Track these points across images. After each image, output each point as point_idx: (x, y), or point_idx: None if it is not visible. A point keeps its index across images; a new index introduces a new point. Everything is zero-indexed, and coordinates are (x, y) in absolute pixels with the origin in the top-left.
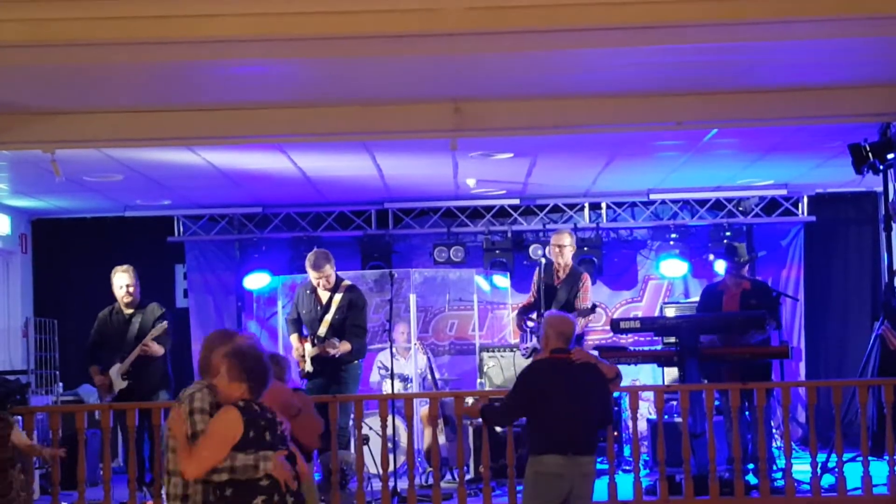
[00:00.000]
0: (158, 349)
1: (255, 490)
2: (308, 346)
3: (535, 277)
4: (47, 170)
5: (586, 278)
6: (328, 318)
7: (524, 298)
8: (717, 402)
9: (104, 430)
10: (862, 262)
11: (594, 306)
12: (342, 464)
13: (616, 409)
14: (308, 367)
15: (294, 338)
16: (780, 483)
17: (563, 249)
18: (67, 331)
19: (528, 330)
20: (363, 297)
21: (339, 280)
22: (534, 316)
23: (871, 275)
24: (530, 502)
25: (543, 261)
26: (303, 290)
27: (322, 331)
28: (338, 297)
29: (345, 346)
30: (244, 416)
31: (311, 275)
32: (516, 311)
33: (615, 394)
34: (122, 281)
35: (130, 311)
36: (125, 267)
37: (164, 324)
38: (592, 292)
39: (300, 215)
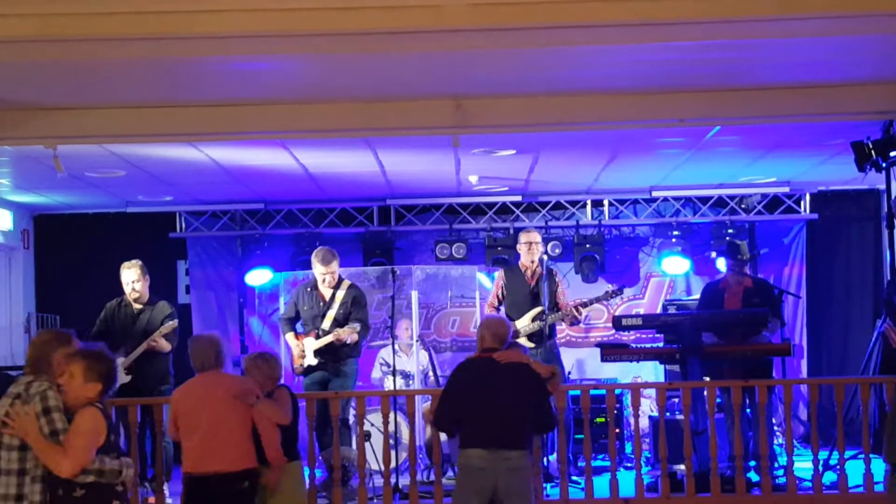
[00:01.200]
0: (165, 345)
1: (111, 495)
2: (311, 339)
3: (502, 281)
4: (49, 165)
5: (558, 273)
6: (331, 313)
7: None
8: (718, 400)
9: None
10: (864, 260)
11: (622, 287)
12: (344, 460)
13: (618, 406)
14: (311, 361)
15: (291, 336)
16: (782, 480)
17: (538, 246)
18: (69, 326)
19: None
20: (364, 294)
21: (339, 278)
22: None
23: (874, 272)
24: (458, 494)
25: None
26: (303, 289)
27: (326, 325)
28: (340, 293)
29: (354, 331)
30: (104, 418)
31: (319, 270)
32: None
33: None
34: (130, 277)
35: (139, 306)
36: (134, 262)
37: (174, 322)
38: (594, 289)
39: (302, 212)
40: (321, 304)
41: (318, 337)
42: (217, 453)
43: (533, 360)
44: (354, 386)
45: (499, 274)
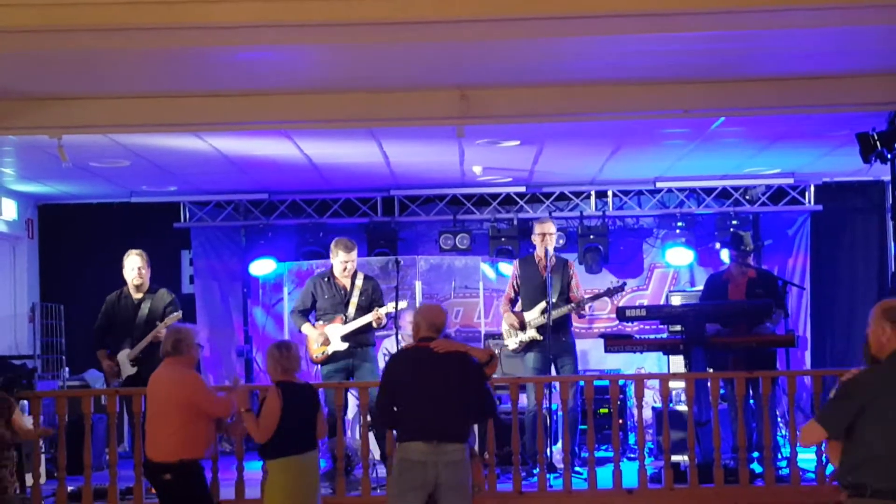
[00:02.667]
0: None
1: None
2: (338, 325)
3: (516, 271)
4: (54, 155)
5: (573, 265)
6: (354, 300)
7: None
8: (721, 391)
9: (110, 414)
10: (868, 251)
11: (623, 284)
12: (347, 450)
13: (621, 396)
14: (339, 347)
15: (308, 326)
16: (785, 472)
17: (551, 237)
18: (74, 316)
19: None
20: (379, 284)
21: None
22: (517, 309)
23: (878, 264)
24: (394, 489)
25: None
26: (319, 280)
27: (351, 312)
28: (359, 281)
29: (382, 311)
30: None
31: (342, 257)
32: (506, 308)
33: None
34: (134, 263)
35: (139, 295)
36: (138, 251)
37: (178, 313)
38: (598, 280)
39: (306, 202)
40: (342, 292)
41: (345, 322)
42: (150, 441)
43: (470, 346)
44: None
45: (514, 264)
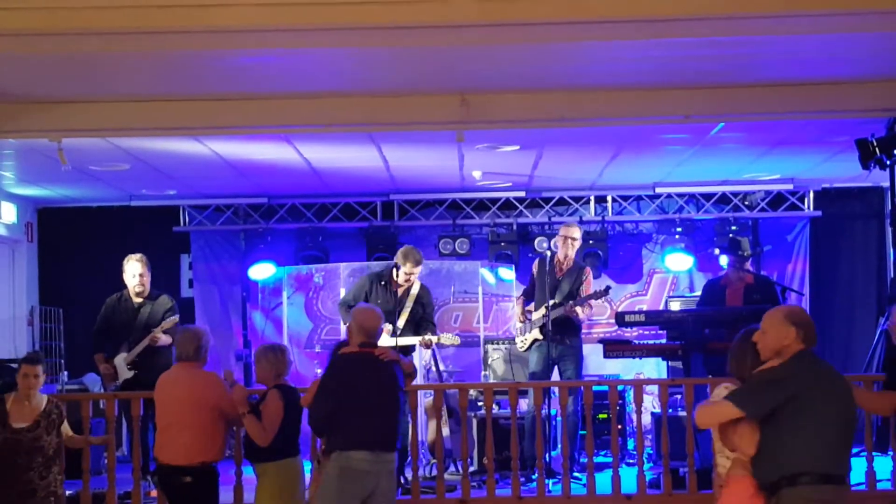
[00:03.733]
0: (167, 339)
1: None
2: (386, 336)
3: (536, 269)
4: (54, 158)
5: (589, 272)
6: (405, 312)
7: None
8: None
9: (108, 419)
10: (868, 258)
11: (608, 288)
12: None
13: (620, 402)
14: None
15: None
16: None
17: (574, 242)
18: (73, 319)
19: (528, 321)
20: (432, 295)
21: None
22: (530, 307)
23: (877, 270)
24: (333, 497)
25: (549, 253)
26: (376, 280)
27: (400, 323)
28: (414, 291)
29: (455, 339)
30: None
31: (410, 269)
32: (520, 301)
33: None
34: (135, 269)
35: (140, 300)
36: (139, 256)
37: (176, 318)
38: (598, 285)
39: (306, 206)
40: (395, 299)
41: (393, 334)
42: (169, 445)
43: (399, 356)
44: None
45: (537, 261)
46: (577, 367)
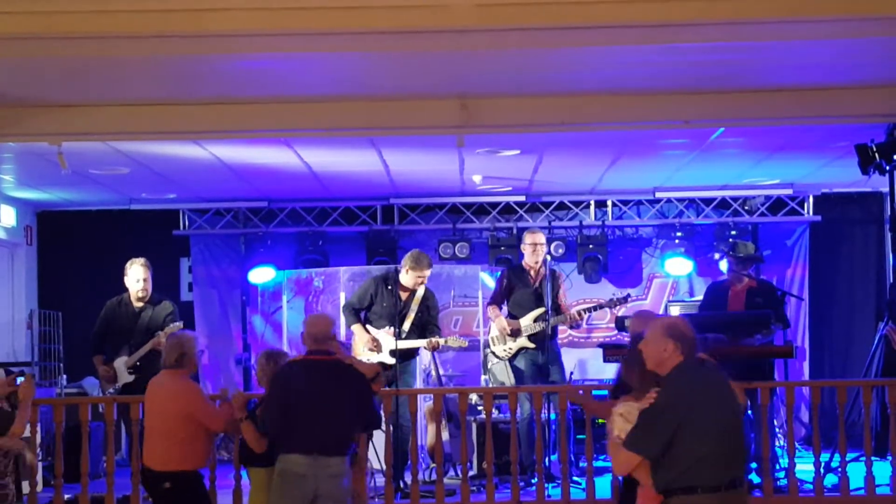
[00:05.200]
0: None
1: None
2: (390, 337)
3: (508, 278)
4: (53, 162)
5: (562, 275)
6: (411, 315)
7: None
8: None
9: (108, 422)
10: (867, 263)
11: (627, 296)
12: None
13: None
14: (387, 360)
15: (359, 327)
16: (783, 482)
17: (542, 247)
18: (72, 323)
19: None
20: (437, 299)
21: None
22: (516, 322)
23: (876, 275)
24: (274, 500)
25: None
26: (381, 283)
27: (406, 326)
28: (419, 294)
29: (462, 342)
30: None
31: (418, 272)
32: (497, 314)
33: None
34: (138, 274)
35: (141, 304)
36: (142, 260)
37: (179, 323)
38: (597, 289)
39: (306, 210)
40: (401, 303)
41: (396, 336)
42: (149, 450)
43: (356, 361)
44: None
45: (502, 273)
46: (562, 369)
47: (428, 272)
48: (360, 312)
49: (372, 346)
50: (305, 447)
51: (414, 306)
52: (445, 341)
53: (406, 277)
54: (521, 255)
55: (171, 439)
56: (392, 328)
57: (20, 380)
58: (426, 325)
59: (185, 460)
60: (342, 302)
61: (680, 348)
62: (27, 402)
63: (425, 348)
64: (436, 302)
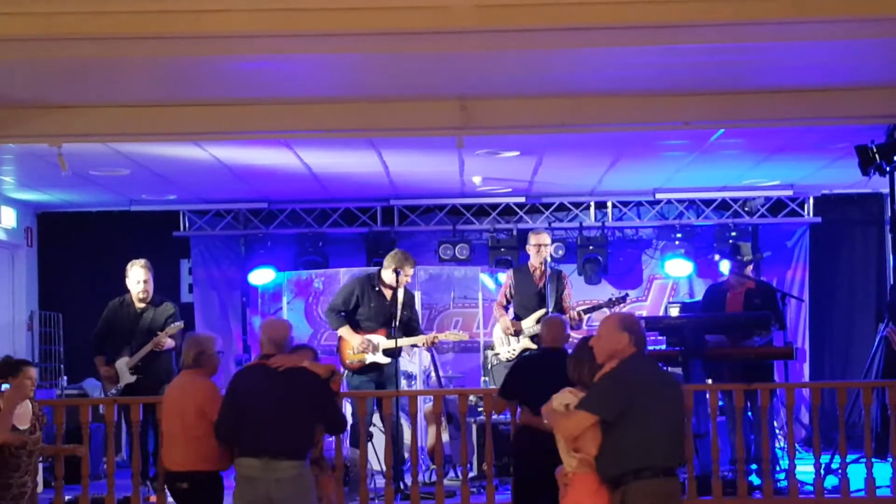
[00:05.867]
0: (171, 342)
1: None
2: (382, 338)
3: (510, 280)
4: (53, 163)
5: (566, 276)
6: (398, 315)
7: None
8: (720, 403)
9: (108, 423)
10: (867, 264)
11: (625, 295)
12: (346, 461)
13: None
14: (381, 360)
15: (348, 329)
16: (784, 484)
17: (546, 248)
18: (72, 324)
19: (520, 331)
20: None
21: None
22: (520, 323)
23: (877, 276)
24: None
25: (542, 261)
26: (366, 285)
27: (396, 325)
28: (400, 295)
29: (460, 335)
30: None
31: (406, 272)
32: (501, 314)
33: None
34: (139, 276)
35: (143, 305)
36: (143, 262)
37: (180, 324)
38: (597, 291)
39: (306, 211)
40: (387, 303)
41: (389, 336)
42: (168, 452)
43: (310, 362)
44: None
45: (507, 273)
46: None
47: (411, 270)
48: (345, 316)
49: (364, 347)
50: (256, 451)
51: (398, 304)
52: (446, 335)
53: (392, 277)
54: (527, 256)
55: (187, 437)
56: (383, 329)
57: (5, 387)
58: (409, 323)
59: (201, 460)
60: None
61: (633, 341)
62: (10, 408)
63: (422, 346)
64: (412, 299)
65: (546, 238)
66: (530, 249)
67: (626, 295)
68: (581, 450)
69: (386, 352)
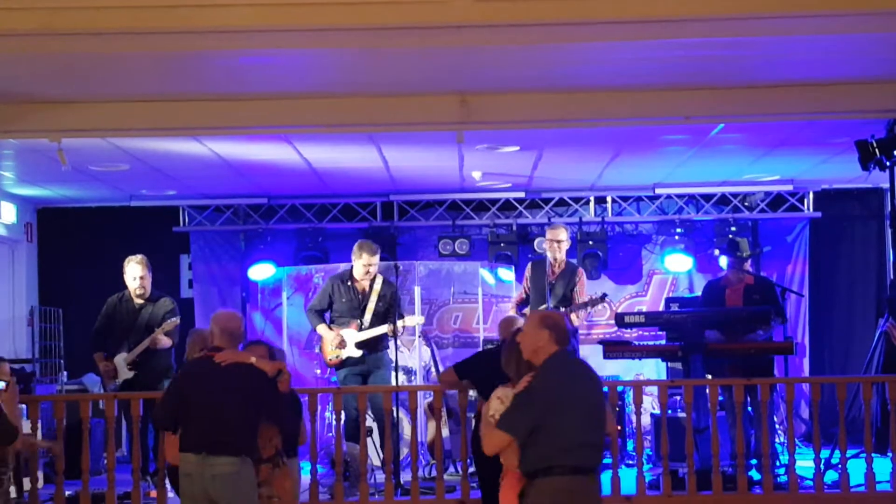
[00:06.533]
0: (167, 341)
1: None
2: (353, 331)
3: (528, 273)
4: (53, 158)
5: (582, 273)
6: (371, 306)
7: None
8: (720, 398)
9: (108, 419)
10: (867, 259)
11: (604, 295)
12: (346, 456)
13: (620, 403)
14: (354, 353)
15: (324, 327)
16: (783, 479)
17: (560, 244)
18: (72, 320)
19: None
20: (398, 288)
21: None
22: (526, 311)
23: (876, 271)
24: (181, 499)
25: (550, 255)
26: (337, 281)
27: (367, 318)
28: (377, 286)
29: (419, 319)
30: None
31: (365, 260)
32: (514, 307)
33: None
34: (135, 272)
35: (141, 301)
36: (139, 258)
37: (176, 319)
38: (597, 286)
39: (305, 206)
40: (360, 296)
41: (360, 329)
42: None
43: (258, 359)
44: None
45: (529, 266)
46: None
47: (368, 258)
48: (324, 314)
49: (336, 342)
50: (195, 446)
51: (373, 297)
52: (403, 322)
53: (355, 269)
54: (526, 251)
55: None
56: (355, 321)
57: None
58: (387, 313)
59: None
60: None
61: (554, 337)
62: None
63: (388, 334)
64: (394, 290)
65: (560, 233)
66: (546, 245)
67: (605, 295)
68: (504, 461)
69: (358, 344)
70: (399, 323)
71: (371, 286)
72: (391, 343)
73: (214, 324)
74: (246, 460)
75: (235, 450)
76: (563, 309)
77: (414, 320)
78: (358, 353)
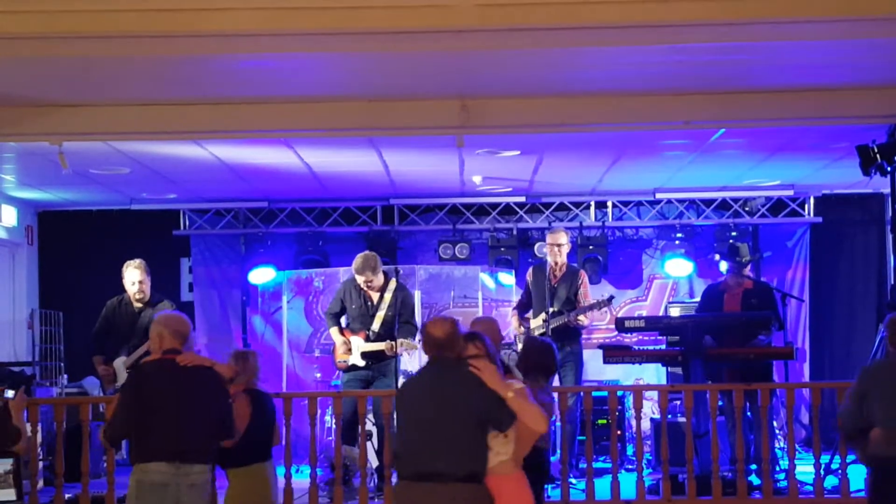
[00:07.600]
0: None
1: None
2: (360, 340)
3: (529, 277)
4: (54, 162)
5: (584, 275)
6: (381, 314)
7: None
8: (719, 403)
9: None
10: (868, 264)
11: (611, 297)
12: (346, 459)
13: (620, 407)
14: (358, 362)
15: (335, 330)
16: (783, 484)
17: (561, 248)
18: (73, 323)
19: (527, 330)
20: (412, 294)
21: (387, 278)
22: (528, 315)
23: (877, 276)
24: None
25: (549, 259)
26: (350, 285)
27: (376, 327)
28: (388, 294)
29: (413, 347)
30: None
31: (367, 277)
32: (514, 312)
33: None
34: (133, 277)
35: (140, 305)
36: (137, 262)
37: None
38: (597, 290)
39: (306, 210)
40: (369, 304)
41: (367, 339)
42: None
43: (217, 362)
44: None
45: (529, 271)
46: (577, 373)
47: (373, 276)
48: (339, 317)
49: (344, 349)
50: (167, 454)
51: (384, 305)
52: (401, 343)
53: (357, 280)
54: (527, 256)
55: None
56: (363, 331)
57: (10, 393)
58: (399, 323)
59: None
60: None
61: (425, 348)
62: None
63: (386, 351)
64: (409, 299)
65: (560, 237)
66: (546, 249)
67: (612, 297)
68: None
69: (363, 355)
70: (399, 342)
71: (382, 295)
72: (419, 353)
73: (164, 327)
74: (211, 467)
75: (206, 456)
76: (567, 312)
77: (409, 345)
78: (362, 363)
